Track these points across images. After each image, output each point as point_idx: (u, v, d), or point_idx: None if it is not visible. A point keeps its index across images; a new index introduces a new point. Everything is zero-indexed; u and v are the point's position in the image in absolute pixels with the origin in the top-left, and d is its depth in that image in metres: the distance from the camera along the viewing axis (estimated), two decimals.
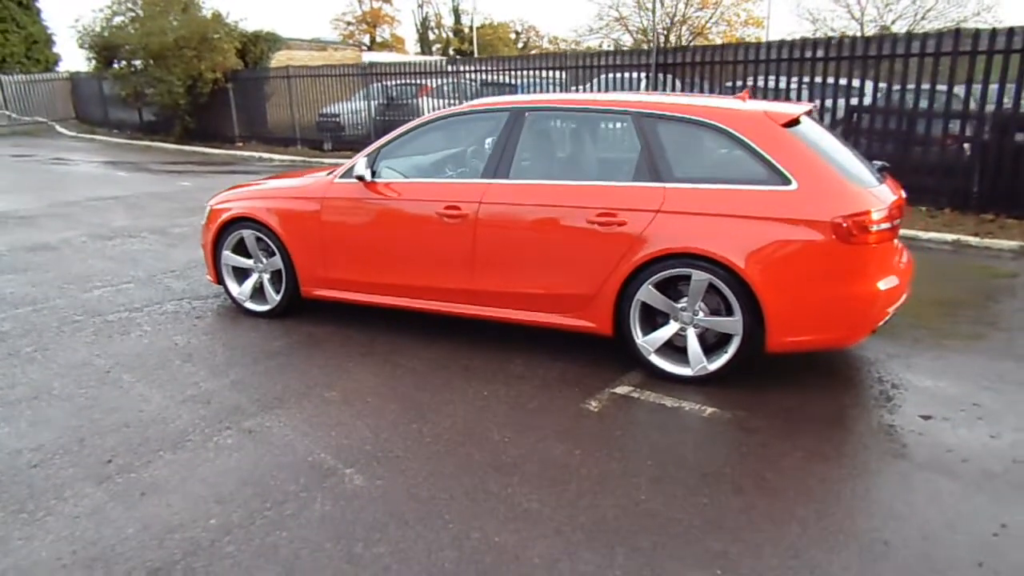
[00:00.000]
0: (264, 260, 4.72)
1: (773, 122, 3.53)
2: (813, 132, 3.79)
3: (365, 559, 2.35)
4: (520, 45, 55.20)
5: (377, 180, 4.25)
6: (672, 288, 3.64)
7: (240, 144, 16.72)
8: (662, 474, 2.85)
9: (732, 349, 3.55)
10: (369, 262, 4.33)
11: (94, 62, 18.95)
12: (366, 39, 51.80)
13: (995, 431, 3.17)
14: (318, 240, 4.44)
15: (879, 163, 4.12)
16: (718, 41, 27.40)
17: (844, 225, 3.29)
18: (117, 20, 18.26)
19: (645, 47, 13.12)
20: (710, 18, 29.34)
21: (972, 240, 6.83)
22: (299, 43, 20.09)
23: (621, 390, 3.63)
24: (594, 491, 2.73)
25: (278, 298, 4.70)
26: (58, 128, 22.08)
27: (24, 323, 4.73)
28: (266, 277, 4.75)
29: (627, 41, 30.51)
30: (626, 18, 29.98)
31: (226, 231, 4.76)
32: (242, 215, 4.65)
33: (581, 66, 11.19)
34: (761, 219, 3.42)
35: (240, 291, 4.84)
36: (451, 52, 51.06)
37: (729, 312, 3.52)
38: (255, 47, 17.77)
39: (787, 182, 3.42)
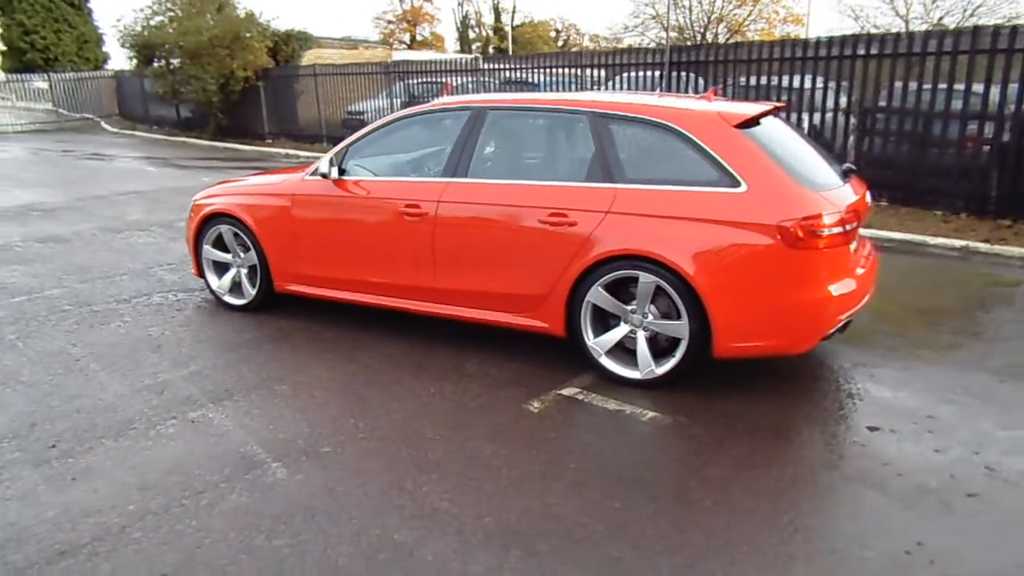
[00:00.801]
0: (241, 255, 4.82)
1: (725, 123, 3.46)
2: (772, 133, 3.70)
3: (263, 551, 2.39)
4: (560, 43, 55.05)
5: (345, 178, 4.30)
6: (625, 290, 3.59)
7: (270, 141, 17.06)
8: (583, 478, 2.83)
9: (679, 354, 3.50)
10: (335, 259, 4.39)
11: (135, 61, 19.57)
12: (406, 37, 52.34)
13: (942, 446, 3.05)
14: (289, 236, 4.52)
15: (847, 165, 4.00)
16: (756, 39, 26.85)
17: (791, 229, 3.20)
18: (156, 20, 18.80)
19: (678, 44, 12.83)
20: (748, 15, 28.79)
21: (982, 246, 6.57)
22: (329, 42, 20.43)
23: (568, 392, 3.60)
24: (508, 492, 2.72)
25: (253, 292, 4.80)
26: (103, 124, 22.85)
27: (16, 311, 4.93)
28: (243, 272, 4.85)
29: (662, 39, 30.12)
30: (662, 15, 29.61)
31: (206, 226, 4.88)
32: (220, 211, 4.76)
33: (595, 64, 11.10)
34: (708, 222, 3.35)
35: (219, 285, 4.95)
36: (490, 50, 51.23)
37: (678, 316, 3.46)
38: (286, 46, 18.11)
39: (736, 184, 3.35)
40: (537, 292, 3.76)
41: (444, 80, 13.92)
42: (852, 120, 8.57)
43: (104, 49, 31.44)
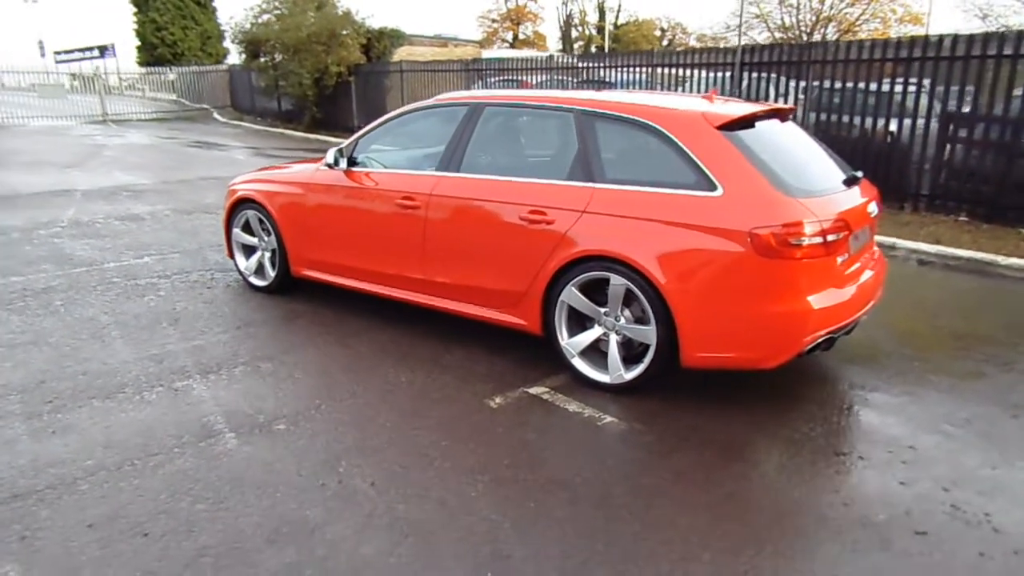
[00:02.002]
0: (265, 239, 5.08)
1: (708, 124, 3.33)
2: (766, 136, 3.53)
3: (182, 513, 2.54)
4: (665, 43, 53.95)
5: (353, 169, 4.46)
6: (600, 292, 3.53)
7: None
8: (511, 475, 2.82)
9: (647, 360, 3.40)
10: (341, 246, 4.56)
11: (243, 56, 20.86)
12: (509, 36, 52.88)
13: (911, 478, 2.82)
14: (302, 223, 4.73)
15: (857, 172, 3.75)
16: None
17: (763, 237, 3.05)
18: (264, 17, 19.97)
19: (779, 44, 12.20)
20: (861, 14, 27.15)
21: None
22: (421, 39, 20.98)
23: (535, 390, 3.59)
24: (431, 482, 2.75)
25: (273, 275, 5.05)
26: (215, 115, 24.51)
27: (72, 281, 5.42)
28: (267, 255, 5.11)
29: (766, 39, 28.91)
30: (766, 14, 28.44)
31: (236, 210, 5.18)
32: (246, 196, 5.05)
33: (666, 64, 10.84)
34: (681, 225, 3.25)
35: (246, 266, 5.25)
36: (592, 49, 50.91)
37: (648, 321, 3.37)
38: (379, 43, 18.75)
39: (712, 188, 3.22)
40: (516, 289, 3.76)
41: (522, 78, 14.00)
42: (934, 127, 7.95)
43: (225, 45, 33.67)
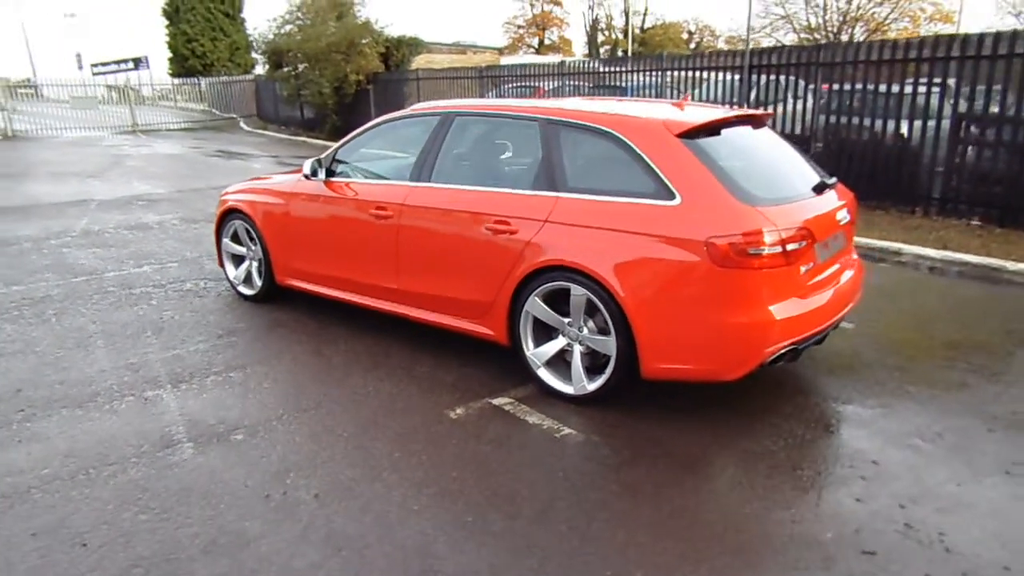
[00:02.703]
0: (252, 248, 5.14)
1: (668, 132, 3.28)
2: (731, 143, 3.47)
3: (124, 523, 2.57)
4: (692, 45, 53.50)
5: (332, 179, 4.49)
6: (565, 302, 3.50)
7: None
8: (455, 488, 2.80)
9: (608, 371, 3.36)
10: (321, 256, 4.59)
11: (267, 66, 21.24)
12: (535, 42, 52.98)
13: (868, 495, 2.73)
14: (285, 233, 4.78)
15: (830, 178, 3.66)
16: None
17: (720, 246, 2.99)
18: (286, 28, 20.30)
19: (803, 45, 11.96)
20: (889, 14, 26.59)
21: None
22: (439, 47, 21.12)
23: (499, 401, 3.56)
24: (376, 495, 2.75)
25: (260, 284, 5.11)
26: (241, 124, 24.96)
27: (69, 290, 5.55)
28: (254, 265, 5.17)
29: (791, 40, 28.49)
30: (792, 15, 28.02)
31: (225, 220, 5.25)
32: (234, 207, 5.12)
33: (675, 68, 10.72)
34: (639, 235, 3.20)
35: (235, 275, 5.32)
36: (619, 53, 50.71)
37: (608, 331, 3.33)
38: (397, 51, 18.94)
39: (671, 197, 3.17)
40: (484, 299, 3.74)
41: (536, 84, 13.99)
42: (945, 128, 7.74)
43: (252, 55, 34.35)
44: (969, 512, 2.62)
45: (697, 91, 10.70)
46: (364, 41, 18.28)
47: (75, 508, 2.67)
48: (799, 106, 9.04)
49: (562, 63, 13.15)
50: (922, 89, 7.81)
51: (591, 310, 3.38)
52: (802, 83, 9.14)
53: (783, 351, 3.13)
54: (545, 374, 3.60)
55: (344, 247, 4.42)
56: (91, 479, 2.87)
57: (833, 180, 3.70)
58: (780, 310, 3.08)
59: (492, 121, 4.01)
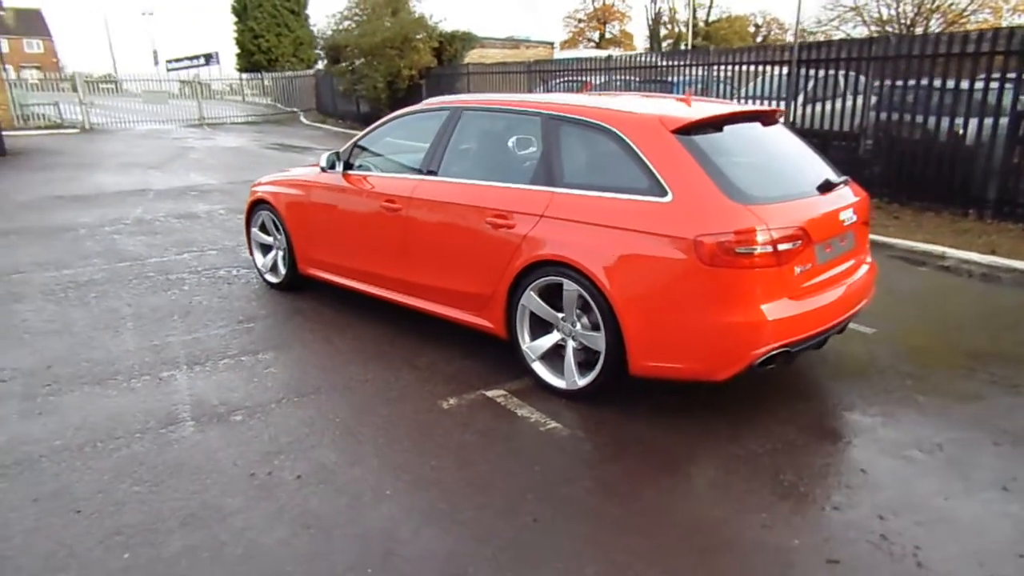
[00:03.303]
0: (278, 238, 5.33)
1: (664, 127, 3.24)
2: (733, 140, 3.41)
3: (116, 493, 2.73)
4: (760, 39, 52.03)
5: (349, 172, 4.61)
6: (560, 296, 3.51)
7: None
8: (433, 476, 2.86)
9: (598, 367, 3.36)
10: (337, 246, 4.72)
11: (326, 61, 21.79)
12: (596, 36, 52.53)
13: (847, 503, 2.66)
14: (306, 223, 4.94)
15: (839, 177, 3.55)
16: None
17: (708, 244, 2.95)
18: (345, 24, 20.77)
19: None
20: (968, 4, 25.23)
21: None
22: (492, 41, 21.19)
23: (493, 393, 3.61)
24: (353, 481, 2.83)
25: (284, 272, 5.29)
26: (301, 117, 25.68)
27: (113, 274, 5.87)
28: (280, 254, 5.35)
29: (862, 33, 27.39)
30: (862, 7, 26.94)
31: (254, 210, 5.46)
32: (261, 198, 5.31)
33: (722, 63, 10.49)
34: (630, 231, 3.18)
35: (262, 263, 5.52)
36: (682, 46, 49.79)
37: (598, 327, 3.33)
38: (450, 46, 19.12)
39: (663, 193, 3.14)
40: (483, 292, 3.79)
41: (585, 78, 13.91)
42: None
43: (317, 51, 35.28)
44: (951, 527, 2.52)
45: (750, 86, 10.44)
46: (418, 36, 18.53)
47: (78, 478, 2.85)
48: (848, 102, 8.72)
49: (608, 57, 13.03)
50: (979, 85, 7.43)
51: (584, 306, 3.39)
52: (862, 79, 8.76)
53: (774, 353, 3.06)
54: (539, 368, 3.63)
55: (358, 238, 4.53)
56: (97, 451, 3.06)
57: (842, 179, 3.58)
58: (770, 311, 3.01)
59: (497, 116, 4.05)
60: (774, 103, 9.65)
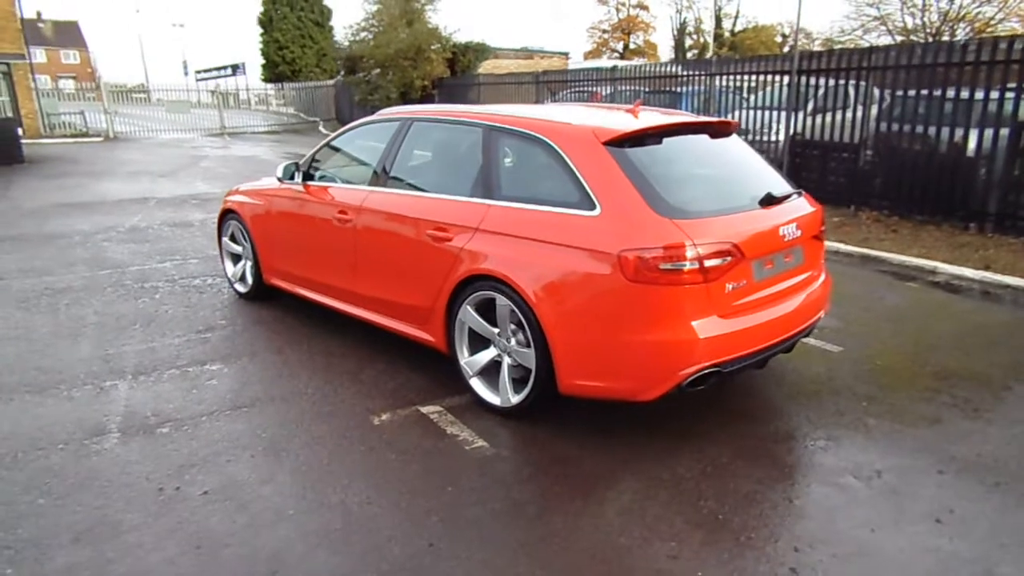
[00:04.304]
0: (245, 247, 5.32)
1: (596, 139, 3.15)
2: (671, 152, 3.30)
3: (21, 507, 2.70)
4: (786, 48, 51.42)
5: (306, 183, 4.59)
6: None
7: None
8: (337, 499, 2.77)
9: (529, 384, 3.26)
10: (295, 257, 4.70)
11: (343, 72, 22.04)
12: (620, 46, 52.43)
13: (761, 535, 2.52)
14: (268, 234, 4.93)
15: (789, 192, 3.42)
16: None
17: (629, 260, 2.85)
18: (362, 35, 21.01)
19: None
20: (996, 13, 24.63)
21: None
22: (506, 52, 21.23)
23: (428, 409, 3.53)
24: (257, 499, 2.77)
25: (251, 282, 5.28)
26: (320, 127, 25.97)
27: (91, 282, 5.92)
28: (248, 264, 5.35)
29: (887, 43, 26.84)
30: (886, 16, 26.44)
31: (224, 220, 5.47)
32: (229, 207, 5.32)
33: (724, 72, 10.34)
34: (559, 246, 3.09)
35: (232, 272, 5.52)
36: (707, 57, 49.47)
37: (529, 344, 3.24)
38: (464, 56, 19.21)
39: (592, 207, 3.05)
40: (425, 305, 3.72)
41: (594, 88, 13.84)
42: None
43: (336, 61, 35.76)
44: (870, 561, 2.38)
45: (756, 97, 10.27)
46: (432, 47, 18.65)
47: None
48: (848, 113, 8.51)
49: (614, 68, 12.94)
50: (982, 95, 7.19)
51: (518, 321, 3.30)
52: (875, 89, 8.50)
53: (703, 373, 2.94)
54: (477, 384, 3.54)
55: (314, 249, 4.50)
56: (16, 461, 3.04)
57: (790, 193, 3.45)
58: (698, 330, 2.89)
59: (444, 127, 3.98)
60: (779, 114, 9.47)
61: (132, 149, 18.47)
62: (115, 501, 2.75)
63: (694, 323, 2.88)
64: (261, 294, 5.27)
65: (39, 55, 60.80)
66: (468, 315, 3.48)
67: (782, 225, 3.21)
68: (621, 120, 3.38)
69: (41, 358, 4.23)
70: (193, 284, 5.86)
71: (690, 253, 2.83)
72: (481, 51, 19.67)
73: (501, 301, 3.28)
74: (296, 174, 4.62)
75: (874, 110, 8.35)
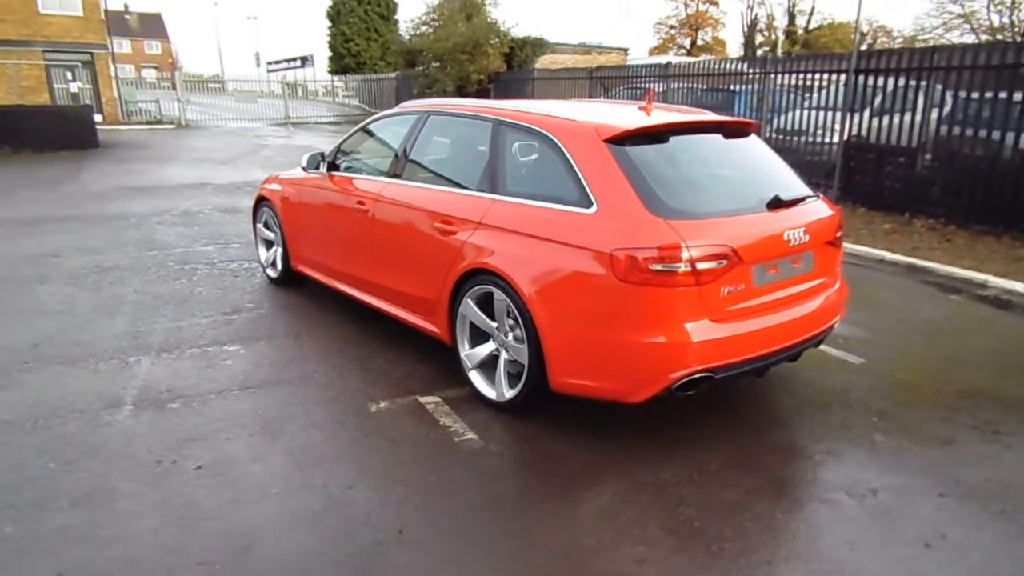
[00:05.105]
0: (276, 234, 5.49)
1: (597, 136, 3.11)
2: (678, 151, 3.24)
3: (33, 470, 2.88)
4: (864, 47, 49.43)
5: (332, 173, 4.70)
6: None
7: None
8: (319, 483, 2.82)
9: (522, 380, 3.26)
10: (319, 245, 4.83)
11: (403, 65, 22.38)
12: (687, 42, 51.43)
13: (737, 547, 2.46)
14: (295, 221, 5.07)
15: (801, 194, 3.30)
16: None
17: (620, 260, 2.81)
18: (422, 29, 21.28)
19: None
20: None
21: None
22: (564, 47, 21.11)
23: (427, 399, 3.58)
24: (245, 477, 2.86)
25: (281, 268, 5.44)
26: None
27: (137, 263, 6.21)
28: (279, 250, 5.51)
29: (970, 41, 25.48)
30: (970, 14, 25.10)
31: (258, 207, 5.65)
32: (262, 195, 5.50)
33: (779, 71, 10.01)
34: (555, 243, 3.08)
35: (265, 258, 5.70)
36: (778, 53, 48.02)
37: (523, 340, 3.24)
38: (521, 51, 19.21)
39: (589, 205, 3.03)
40: (431, 296, 3.76)
41: (649, 85, 13.64)
42: None
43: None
44: None
45: (816, 97, 9.92)
46: (491, 41, 18.73)
47: (4, 453, 3.03)
48: (907, 116, 8.13)
49: (667, 65, 12.71)
50: None
51: (514, 317, 3.30)
52: (949, 91, 8.05)
53: (695, 378, 2.88)
54: (476, 376, 3.56)
55: (335, 237, 4.61)
56: (36, 428, 3.24)
57: (802, 196, 3.33)
58: (688, 333, 2.83)
59: (457, 121, 4.01)
60: (834, 114, 9.13)
61: (199, 136, 19.25)
62: (115, 470, 2.89)
63: (686, 326, 2.83)
64: (291, 280, 5.42)
65: (125, 46, 63.95)
66: (469, 308, 3.50)
67: (789, 229, 3.10)
68: (629, 117, 3.33)
69: (79, 332, 4.47)
70: (230, 268, 6.07)
71: (683, 255, 2.77)
72: (539, 46, 19.64)
73: (498, 296, 3.30)
74: (322, 164, 4.74)
75: (935, 113, 7.94)
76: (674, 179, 3.11)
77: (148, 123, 22.61)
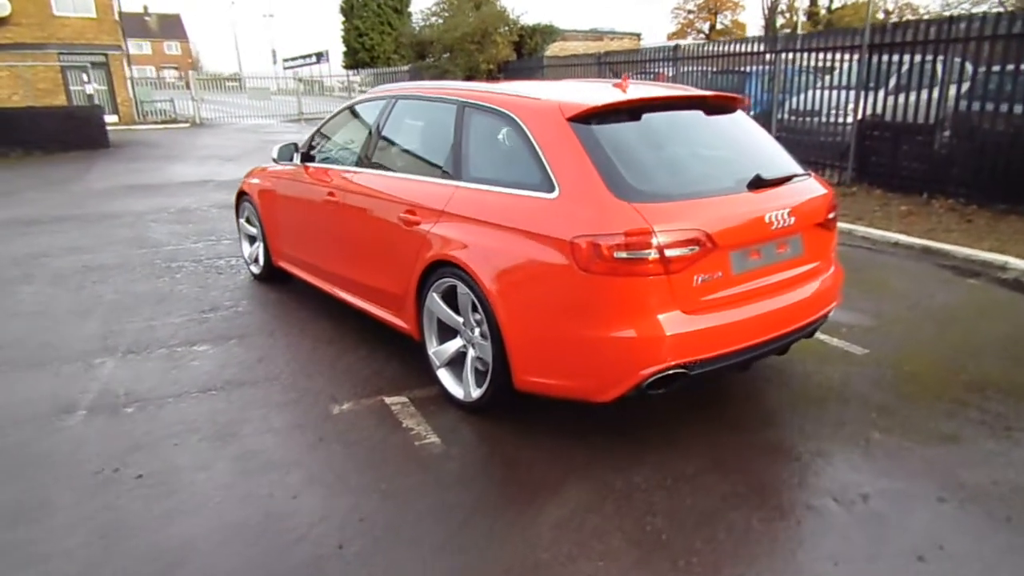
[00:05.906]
0: (257, 229, 5.33)
1: (561, 115, 2.88)
2: (651, 128, 3.00)
3: None
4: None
5: (307, 164, 4.51)
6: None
7: None
8: (265, 491, 2.65)
9: (487, 379, 3.05)
10: (295, 239, 4.66)
11: (413, 56, 22.21)
12: (706, 27, 50.55)
13: (705, 560, 2.23)
14: (271, 215, 4.90)
15: (788, 173, 3.04)
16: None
17: (580, 247, 2.59)
18: (432, 20, 21.07)
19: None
20: None
21: None
22: (575, 34, 20.75)
23: (393, 400, 3.39)
24: (188, 486, 2.70)
25: (262, 264, 5.29)
26: None
27: (124, 261, 6.11)
28: (261, 246, 5.36)
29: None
30: None
31: (240, 202, 5.50)
32: (242, 190, 5.34)
33: (788, 49, 9.63)
34: (516, 231, 2.86)
35: (248, 254, 5.55)
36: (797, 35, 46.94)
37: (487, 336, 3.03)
38: (531, 39, 18.91)
39: (551, 189, 2.80)
40: (398, 291, 3.57)
41: (659, 70, 13.29)
42: None
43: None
44: None
45: (832, 76, 9.53)
46: (499, 30, 18.46)
47: None
48: (923, 92, 7.74)
49: (676, 47, 12.34)
50: None
51: (479, 311, 3.09)
52: (969, 63, 7.63)
53: (667, 374, 2.64)
54: (444, 375, 3.36)
55: (309, 231, 4.44)
56: None
57: (789, 175, 3.05)
58: (658, 326, 2.59)
59: (424, 105, 3.79)
60: (847, 93, 8.75)
61: (211, 134, 19.26)
62: (53, 482, 2.74)
63: (656, 318, 2.59)
64: (274, 276, 5.27)
65: (145, 47, 64.65)
66: (435, 303, 3.30)
67: (771, 211, 2.84)
68: (598, 95, 3.08)
69: (48, 333, 4.36)
70: (216, 265, 5.94)
71: (651, 240, 2.54)
72: (548, 33, 19.31)
73: (461, 290, 3.09)
74: (295, 155, 4.56)
75: (953, 88, 7.55)
76: (645, 159, 2.87)
77: (163, 122, 22.72)
